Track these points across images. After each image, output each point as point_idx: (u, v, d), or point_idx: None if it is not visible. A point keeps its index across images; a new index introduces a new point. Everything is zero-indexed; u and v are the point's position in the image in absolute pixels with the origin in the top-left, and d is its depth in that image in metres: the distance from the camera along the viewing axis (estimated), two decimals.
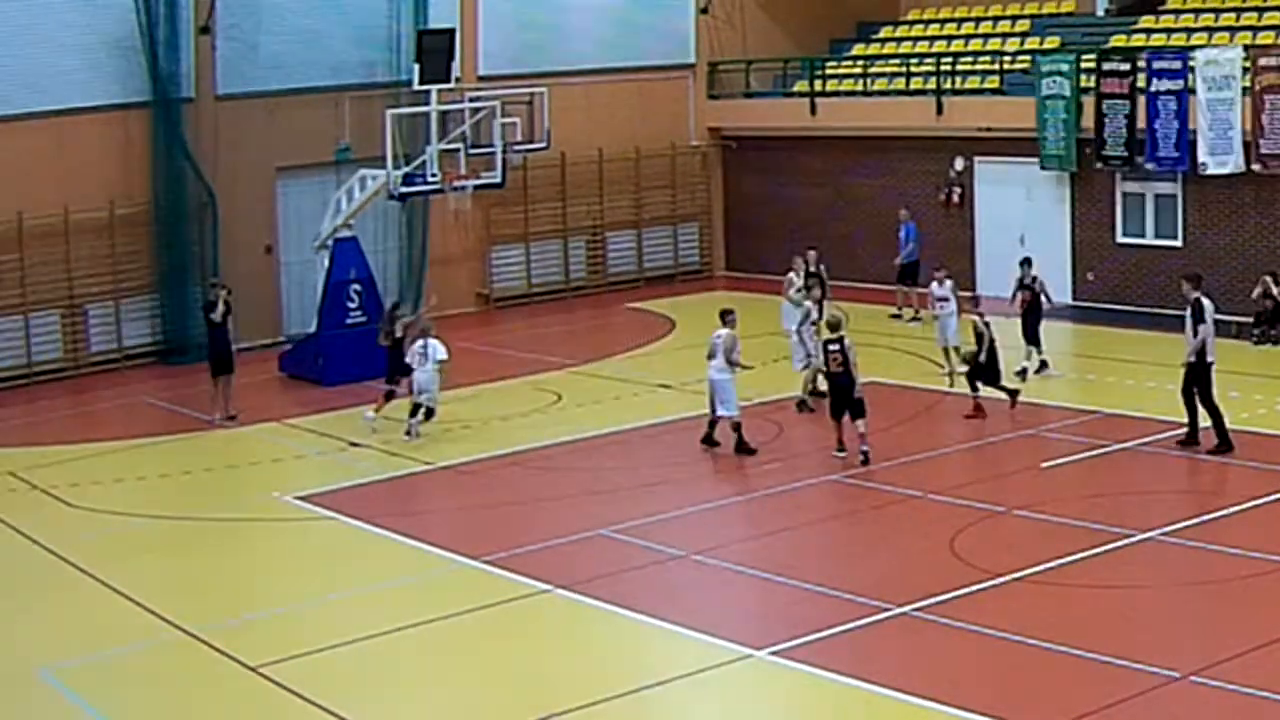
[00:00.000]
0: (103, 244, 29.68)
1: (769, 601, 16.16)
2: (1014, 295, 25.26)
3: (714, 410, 21.47)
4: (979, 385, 22.75)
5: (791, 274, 26.75)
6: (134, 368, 29.89)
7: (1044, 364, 25.06)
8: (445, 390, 26.35)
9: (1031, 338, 24.94)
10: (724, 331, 21.36)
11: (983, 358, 22.66)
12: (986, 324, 22.82)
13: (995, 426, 22.49)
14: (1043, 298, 25.21)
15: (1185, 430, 20.45)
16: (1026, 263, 25.58)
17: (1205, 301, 20.20)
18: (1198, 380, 20.09)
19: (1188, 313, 20.21)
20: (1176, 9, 32.08)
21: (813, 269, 27.38)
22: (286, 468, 22.46)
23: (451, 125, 28.06)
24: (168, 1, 29.73)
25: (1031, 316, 24.98)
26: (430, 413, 23.06)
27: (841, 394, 20.61)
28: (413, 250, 33.09)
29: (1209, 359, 20.04)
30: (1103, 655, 13.69)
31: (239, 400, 25.27)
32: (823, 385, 22.61)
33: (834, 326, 21.02)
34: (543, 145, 29.38)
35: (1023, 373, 24.52)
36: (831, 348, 20.68)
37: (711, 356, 21.32)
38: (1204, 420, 20.22)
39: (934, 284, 25.72)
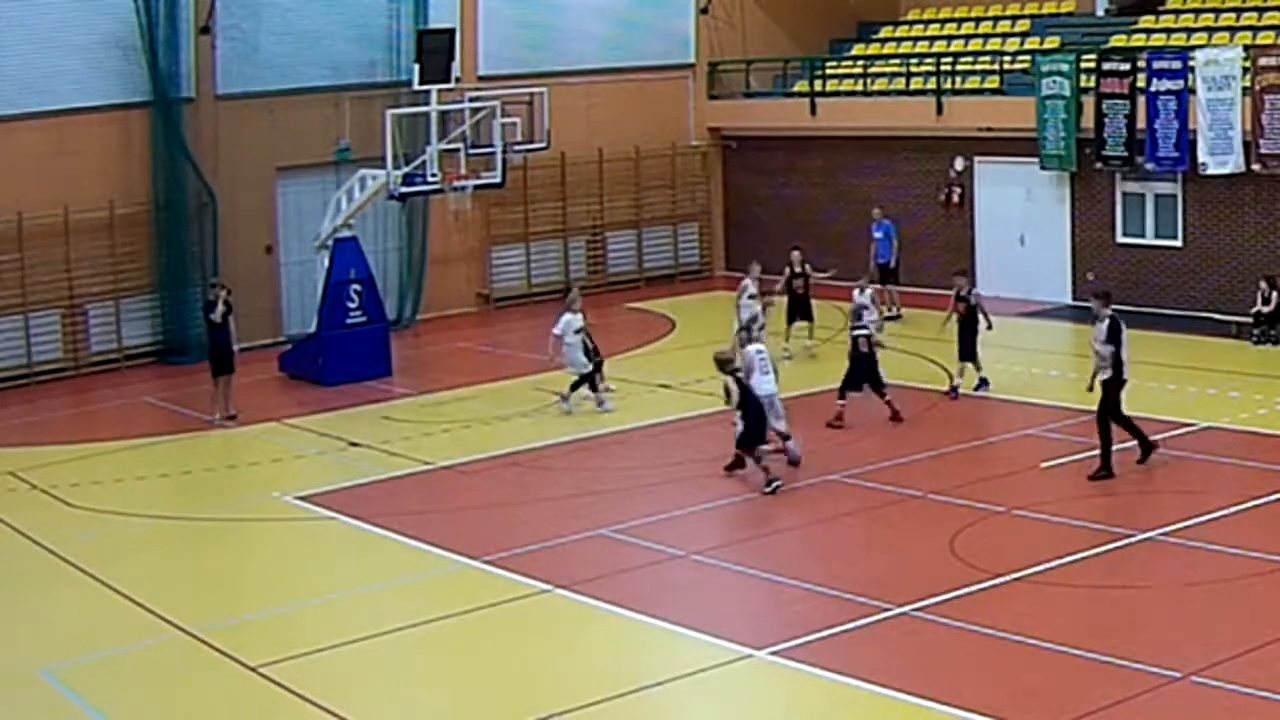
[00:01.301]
0: (103, 244, 29.67)
1: (769, 601, 16.15)
2: (951, 309, 24.00)
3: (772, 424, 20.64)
4: (848, 393, 22.51)
5: (746, 280, 26.39)
6: (134, 368, 29.87)
7: (984, 382, 23.87)
8: (445, 390, 26.40)
9: (968, 354, 23.78)
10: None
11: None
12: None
13: (995, 426, 22.54)
14: (980, 314, 23.83)
15: (1138, 449, 19.54)
16: (962, 274, 24.68)
17: (1119, 320, 19.28)
18: (1116, 397, 19.25)
19: (1101, 330, 19.11)
20: (1176, 9, 32.06)
21: (797, 270, 27.30)
22: (286, 468, 22.45)
23: (451, 125, 28.03)
24: (168, 1, 29.72)
25: (968, 331, 23.78)
26: (577, 383, 24.29)
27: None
28: (413, 250, 33.11)
29: (1124, 376, 19.25)
30: (1103, 655, 13.68)
31: (239, 400, 25.26)
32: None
33: (724, 364, 20.01)
34: (543, 145, 29.31)
35: (953, 390, 23.77)
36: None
37: (767, 372, 20.58)
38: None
39: (855, 291, 24.91)
